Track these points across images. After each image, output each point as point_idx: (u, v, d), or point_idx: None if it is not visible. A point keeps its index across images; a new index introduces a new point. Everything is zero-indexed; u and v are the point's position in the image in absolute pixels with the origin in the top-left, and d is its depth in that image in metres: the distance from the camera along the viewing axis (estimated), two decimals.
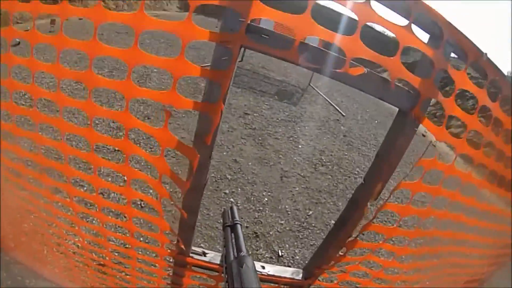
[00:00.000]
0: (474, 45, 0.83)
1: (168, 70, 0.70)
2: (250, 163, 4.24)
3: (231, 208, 0.72)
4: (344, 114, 7.36)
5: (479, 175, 1.09)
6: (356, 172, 5.00)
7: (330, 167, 4.88)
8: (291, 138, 5.33)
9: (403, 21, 0.77)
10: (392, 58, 0.77)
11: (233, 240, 0.61)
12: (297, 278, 1.18)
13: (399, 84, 0.83)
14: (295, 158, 4.75)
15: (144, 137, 3.79)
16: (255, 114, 5.71)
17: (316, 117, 6.68)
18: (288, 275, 1.18)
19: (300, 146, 5.16)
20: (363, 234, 1.05)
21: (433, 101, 0.86)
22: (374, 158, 0.98)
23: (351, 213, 1.02)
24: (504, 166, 1.11)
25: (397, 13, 0.78)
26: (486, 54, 0.85)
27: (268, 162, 4.41)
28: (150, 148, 3.67)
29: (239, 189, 3.71)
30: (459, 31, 0.80)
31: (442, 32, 0.77)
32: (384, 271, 1.24)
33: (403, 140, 0.90)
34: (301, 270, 1.23)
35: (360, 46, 0.74)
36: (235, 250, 0.58)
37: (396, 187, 0.92)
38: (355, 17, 0.72)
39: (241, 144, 4.63)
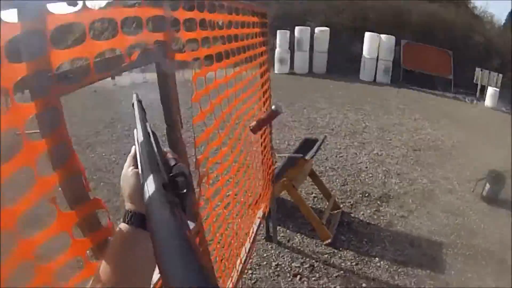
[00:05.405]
0: None
1: None
2: None
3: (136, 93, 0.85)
4: None
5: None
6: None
7: None
8: None
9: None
10: (142, 33, 0.99)
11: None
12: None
13: (150, 47, 1.03)
14: None
15: None
16: None
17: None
18: (192, 226, 1.35)
19: None
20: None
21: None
22: (161, 103, 1.21)
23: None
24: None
25: None
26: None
27: None
28: None
29: None
30: None
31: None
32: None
33: (172, 78, 1.21)
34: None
35: (125, 38, 0.90)
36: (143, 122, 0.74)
37: (193, 123, 1.27)
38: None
39: None
